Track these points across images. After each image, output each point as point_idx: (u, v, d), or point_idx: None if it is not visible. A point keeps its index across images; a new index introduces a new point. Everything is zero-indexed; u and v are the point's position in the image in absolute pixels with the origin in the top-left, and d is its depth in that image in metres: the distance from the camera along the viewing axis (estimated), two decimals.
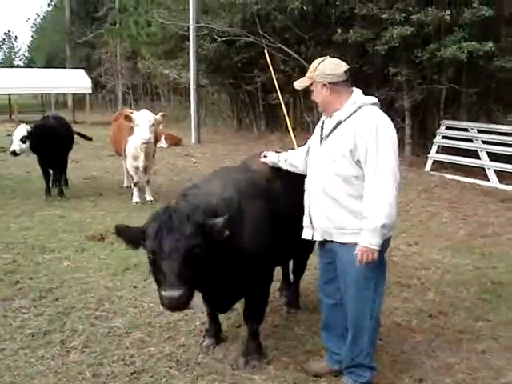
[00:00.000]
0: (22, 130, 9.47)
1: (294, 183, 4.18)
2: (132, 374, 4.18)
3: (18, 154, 9.56)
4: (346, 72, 3.67)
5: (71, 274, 6.22)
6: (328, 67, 3.67)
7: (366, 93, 3.78)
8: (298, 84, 3.85)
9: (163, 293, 3.30)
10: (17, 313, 5.24)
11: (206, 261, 3.48)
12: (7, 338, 4.75)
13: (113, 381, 4.09)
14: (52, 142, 9.67)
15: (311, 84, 3.75)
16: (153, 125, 8.90)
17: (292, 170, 4.27)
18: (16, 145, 9.41)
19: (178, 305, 3.36)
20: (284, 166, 4.33)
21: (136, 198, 9.83)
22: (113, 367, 4.29)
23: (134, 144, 9.24)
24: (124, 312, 5.28)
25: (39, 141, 9.50)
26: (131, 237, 3.61)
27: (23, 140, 9.41)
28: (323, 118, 3.91)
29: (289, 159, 4.30)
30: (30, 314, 5.21)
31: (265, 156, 4.49)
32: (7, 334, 4.81)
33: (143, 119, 8.83)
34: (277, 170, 4.39)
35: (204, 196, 3.79)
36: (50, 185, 10.25)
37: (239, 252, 3.81)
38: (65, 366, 4.31)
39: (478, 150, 12.37)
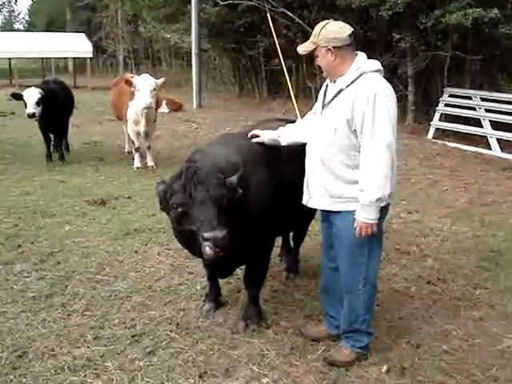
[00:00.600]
0: (35, 92, 9.28)
1: (295, 151, 4.16)
2: (133, 336, 4.24)
3: (36, 117, 9.36)
4: (350, 35, 3.58)
5: (72, 239, 6.25)
6: (332, 31, 3.56)
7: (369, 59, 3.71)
8: (302, 49, 3.75)
9: (206, 234, 3.31)
10: (18, 276, 5.29)
11: (229, 215, 3.53)
12: (9, 301, 4.80)
13: (114, 343, 4.15)
14: (53, 106, 9.55)
15: (315, 49, 3.65)
16: (154, 89, 8.84)
17: (297, 142, 4.12)
18: (33, 108, 9.22)
19: (223, 246, 3.36)
20: (286, 142, 4.18)
21: (137, 163, 9.82)
22: (114, 330, 4.34)
23: (135, 109, 9.19)
24: (125, 276, 5.32)
25: (45, 105, 9.40)
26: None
27: (38, 103, 9.25)
28: (327, 81, 3.83)
29: (292, 134, 4.15)
30: (31, 278, 5.26)
31: (255, 136, 4.31)
32: (9, 298, 4.86)
33: (144, 84, 8.76)
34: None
35: (211, 159, 3.78)
36: (51, 150, 10.19)
37: (243, 217, 3.82)
38: (66, 328, 4.36)
39: (481, 118, 12.30)
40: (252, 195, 3.87)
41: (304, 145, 3.97)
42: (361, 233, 3.53)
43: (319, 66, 3.76)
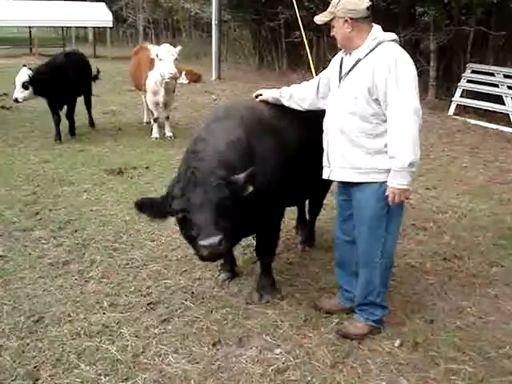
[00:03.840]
0: (23, 74, 8.74)
1: (306, 120, 4.15)
2: (148, 304, 4.30)
3: (20, 102, 9.02)
4: (368, 8, 3.57)
5: (90, 207, 6.31)
6: (350, 2, 3.55)
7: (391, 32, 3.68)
8: (319, 18, 3.74)
9: (202, 242, 3.29)
10: (36, 243, 5.37)
11: (234, 212, 3.49)
12: (27, 267, 4.88)
13: (129, 311, 4.21)
14: (60, 82, 9.04)
15: (332, 19, 3.64)
16: (176, 59, 8.80)
17: (297, 107, 4.15)
18: (18, 92, 8.78)
19: (220, 251, 3.38)
20: (287, 103, 4.20)
21: (155, 133, 9.84)
22: (130, 298, 4.40)
23: (154, 79, 9.18)
24: (141, 245, 5.37)
25: (44, 84, 8.89)
26: (156, 208, 3.60)
27: (25, 86, 8.74)
28: (341, 54, 3.81)
29: (295, 95, 4.16)
30: (49, 245, 5.34)
31: (259, 95, 4.39)
32: (27, 264, 4.94)
33: (167, 53, 8.72)
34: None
35: (213, 149, 3.71)
36: (60, 128, 9.51)
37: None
38: (83, 295, 4.43)
39: (503, 95, 12.07)
40: (260, 168, 3.84)
41: (309, 111, 4.03)
42: (393, 200, 3.52)
43: (334, 37, 3.74)
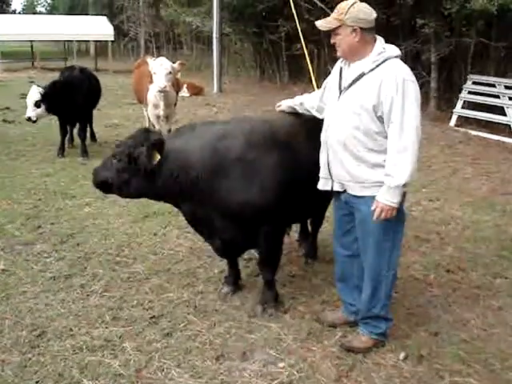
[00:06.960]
0: (35, 92, 8.58)
1: (314, 139, 4.10)
2: (151, 318, 4.28)
3: (35, 121, 8.81)
4: (374, 19, 3.54)
5: (92, 220, 6.30)
6: (361, 11, 3.48)
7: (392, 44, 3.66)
8: (324, 24, 3.61)
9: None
10: (38, 257, 5.35)
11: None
12: (29, 281, 4.86)
13: (132, 324, 4.18)
14: (71, 99, 8.84)
15: (339, 27, 3.54)
16: (169, 73, 8.79)
17: (308, 113, 4.21)
18: (30, 111, 8.62)
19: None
20: (300, 110, 4.29)
21: None
22: (132, 311, 4.38)
23: (154, 92, 9.19)
24: (144, 258, 5.35)
25: (56, 101, 8.74)
26: None
27: (37, 104, 8.58)
28: (340, 64, 3.77)
29: (304, 102, 4.23)
30: (51, 259, 5.32)
31: (279, 106, 4.51)
32: (29, 278, 4.92)
33: (160, 67, 8.74)
34: (299, 125, 4.31)
35: (190, 139, 4.01)
36: (65, 144, 9.51)
37: (240, 201, 3.90)
38: (85, 309, 4.41)
39: (505, 106, 12.08)
40: (252, 179, 3.92)
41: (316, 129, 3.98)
42: (380, 215, 3.49)
43: (334, 45, 3.66)
